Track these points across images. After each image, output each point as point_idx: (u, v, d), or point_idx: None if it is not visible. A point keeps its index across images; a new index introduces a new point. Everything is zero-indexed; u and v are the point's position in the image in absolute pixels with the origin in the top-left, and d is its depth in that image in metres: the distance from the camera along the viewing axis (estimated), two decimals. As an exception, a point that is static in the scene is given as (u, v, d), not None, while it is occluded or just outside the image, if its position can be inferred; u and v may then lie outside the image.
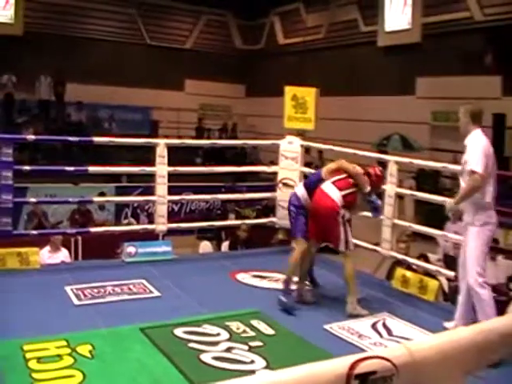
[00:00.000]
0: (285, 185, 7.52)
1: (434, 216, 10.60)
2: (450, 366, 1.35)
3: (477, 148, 4.55)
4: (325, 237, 5.57)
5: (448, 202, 4.82)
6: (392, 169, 6.56)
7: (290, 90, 7.81)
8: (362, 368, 1.20)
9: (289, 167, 7.55)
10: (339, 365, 1.20)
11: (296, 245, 5.65)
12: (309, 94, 7.67)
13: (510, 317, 1.58)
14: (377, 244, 6.79)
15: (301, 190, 5.68)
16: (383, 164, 6.76)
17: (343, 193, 5.38)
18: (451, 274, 6.25)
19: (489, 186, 4.59)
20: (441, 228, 9.01)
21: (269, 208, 10.07)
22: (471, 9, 15.05)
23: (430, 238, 8.85)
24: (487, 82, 14.40)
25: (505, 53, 14.04)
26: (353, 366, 1.19)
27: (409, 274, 6.19)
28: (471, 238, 4.60)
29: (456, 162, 11.57)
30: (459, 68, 14.92)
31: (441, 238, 8.45)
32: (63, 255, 8.02)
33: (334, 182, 5.44)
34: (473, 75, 14.66)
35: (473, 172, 4.45)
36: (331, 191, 5.36)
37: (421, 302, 5.81)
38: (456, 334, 1.43)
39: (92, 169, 7.09)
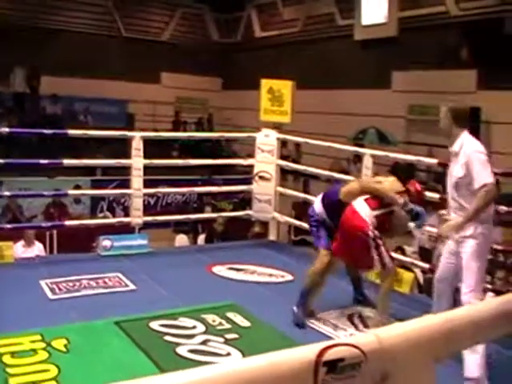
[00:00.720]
0: (261, 178, 7.52)
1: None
2: (419, 353, 1.36)
3: (478, 158, 4.02)
4: (352, 258, 5.03)
5: (446, 225, 4.16)
6: (368, 162, 6.59)
7: (266, 83, 7.81)
8: (330, 355, 1.21)
9: (265, 160, 7.55)
10: (307, 352, 1.20)
11: (319, 256, 5.12)
12: (285, 87, 7.67)
13: (479, 305, 1.60)
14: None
15: (318, 207, 5.20)
16: (359, 157, 6.80)
17: (375, 213, 4.77)
18: (426, 266, 6.32)
19: None
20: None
21: (245, 201, 10.07)
22: (447, 3, 15.13)
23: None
24: (463, 76, 14.51)
25: (480, 47, 14.15)
26: (321, 353, 1.20)
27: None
28: (472, 255, 4.06)
29: (431, 155, 11.71)
30: (435, 62, 15.01)
31: (416, 230, 8.51)
32: (38, 249, 7.96)
33: (366, 200, 4.85)
34: (448, 69, 14.76)
35: (484, 185, 3.92)
36: (362, 210, 4.78)
37: (396, 294, 5.85)
38: (425, 321, 1.44)
39: (67, 162, 7.04)
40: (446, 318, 1.49)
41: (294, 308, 4.96)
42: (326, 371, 1.20)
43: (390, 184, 4.97)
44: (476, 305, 1.66)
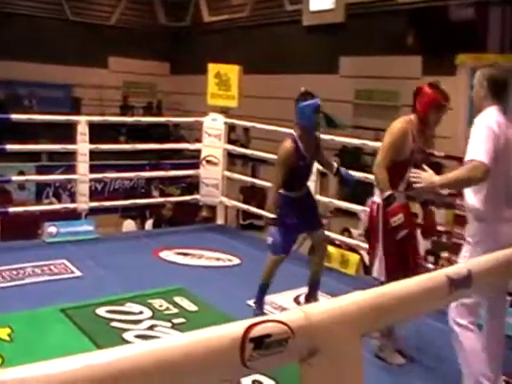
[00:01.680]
0: (208, 162, 7.51)
1: (357, 192, 10.86)
2: (346, 328, 1.39)
3: (480, 130, 3.25)
4: None
5: (428, 174, 3.45)
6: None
7: (213, 68, 7.78)
8: (257, 331, 1.22)
9: (212, 144, 7.54)
10: (234, 329, 1.22)
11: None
12: (232, 71, 7.65)
13: (408, 282, 1.65)
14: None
15: None
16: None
17: None
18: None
19: (492, 188, 3.28)
20: (363, 204, 9.23)
21: (193, 185, 10.04)
22: (394, -10, 15.31)
23: (352, 214, 9.05)
24: (408, 62, 14.73)
25: (425, 34, 14.38)
26: (248, 329, 1.21)
27: (331, 248, 6.31)
28: (460, 259, 3.41)
29: (378, 139, 11.86)
30: (382, 48, 15.18)
31: (362, 213, 8.63)
32: (-20, 237, 7.79)
33: None
34: (395, 55, 14.96)
35: (471, 161, 3.15)
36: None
37: (342, 275, 5.95)
38: (352, 297, 1.48)
39: (10, 147, 6.88)
40: (374, 293, 1.53)
41: (253, 305, 4.85)
42: (252, 347, 1.22)
43: None
44: (402, 282, 1.70)
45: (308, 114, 4.57)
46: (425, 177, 3.43)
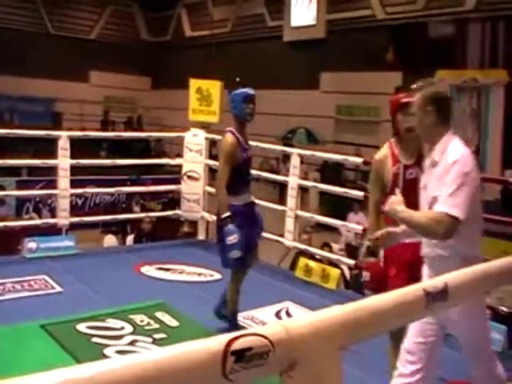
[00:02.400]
0: (189, 177, 7.52)
1: (338, 207, 10.93)
2: (325, 342, 1.42)
3: (461, 176, 2.76)
4: None
5: (397, 199, 2.96)
6: (295, 161, 6.69)
7: (194, 83, 7.81)
8: (238, 345, 1.25)
9: (193, 160, 7.56)
10: (216, 342, 1.24)
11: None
12: (213, 86, 7.69)
13: (383, 297, 1.69)
14: (281, 235, 6.92)
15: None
16: (288, 157, 6.89)
17: None
18: (352, 262, 6.47)
19: (474, 231, 2.92)
20: (344, 218, 9.30)
21: (174, 201, 10.04)
22: (373, 7, 15.51)
23: (333, 229, 9.11)
24: (388, 78, 14.88)
25: (405, 50, 14.58)
26: (229, 343, 1.24)
27: (312, 263, 6.35)
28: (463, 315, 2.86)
29: (358, 155, 11.96)
30: (362, 64, 15.35)
31: (343, 228, 8.69)
32: (-41, 252, 7.71)
33: None
34: (375, 71, 15.13)
35: (448, 215, 2.71)
36: None
37: (323, 290, 5.98)
38: (331, 311, 1.51)
39: (-11, 162, 6.86)
40: (353, 307, 1.57)
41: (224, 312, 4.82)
42: (234, 360, 1.25)
43: None
44: (380, 296, 1.74)
45: (237, 103, 4.60)
46: (392, 201, 2.97)
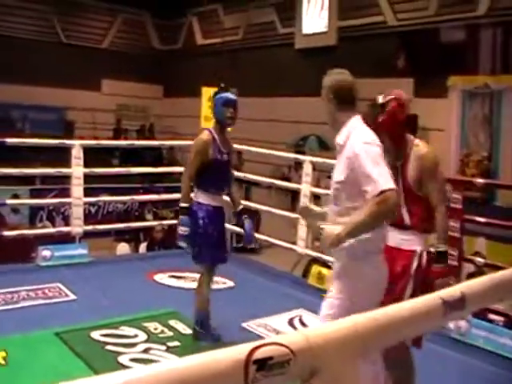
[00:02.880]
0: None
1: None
2: (345, 351, 1.42)
3: (371, 153, 2.85)
4: None
5: (327, 230, 2.86)
6: (307, 168, 6.69)
7: (207, 91, 7.85)
8: (259, 354, 1.26)
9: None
10: (238, 351, 1.25)
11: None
12: (225, 94, 7.71)
13: (402, 305, 1.71)
14: (294, 243, 6.91)
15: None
16: (300, 164, 6.89)
17: None
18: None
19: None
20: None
21: (187, 209, 10.05)
22: (385, 13, 15.50)
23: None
24: (400, 84, 14.83)
25: (416, 56, 14.55)
26: (251, 352, 1.24)
27: (324, 270, 6.34)
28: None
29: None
30: (373, 70, 15.33)
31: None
32: (-26, 260, 7.75)
33: None
34: (386, 77, 15.09)
35: (382, 193, 2.73)
36: None
37: (321, 290, 5.96)
38: (351, 320, 1.51)
39: (4, 171, 6.89)
40: (371, 316, 1.56)
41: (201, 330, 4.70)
42: (256, 369, 1.25)
43: None
44: (398, 305, 1.75)
45: (218, 107, 4.64)
46: (325, 235, 2.84)
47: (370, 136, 2.96)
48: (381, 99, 3.55)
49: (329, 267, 6.61)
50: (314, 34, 17.24)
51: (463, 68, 13.05)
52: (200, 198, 4.65)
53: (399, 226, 3.34)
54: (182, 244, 4.60)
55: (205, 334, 4.66)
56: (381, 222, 2.88)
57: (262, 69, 18.71)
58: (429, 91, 13.62)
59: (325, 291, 5.97)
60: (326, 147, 16.38)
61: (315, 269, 6.43)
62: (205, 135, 4.66)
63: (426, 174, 3.36)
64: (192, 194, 4.72)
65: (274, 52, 18.62)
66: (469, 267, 6.63)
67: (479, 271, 5.90)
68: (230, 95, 4.65)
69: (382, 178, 2.76)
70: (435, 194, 3.33)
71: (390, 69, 15.13)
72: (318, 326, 1.48)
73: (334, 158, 3.10)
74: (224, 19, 20.55)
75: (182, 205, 4.58)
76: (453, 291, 1.94)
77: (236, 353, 1.24)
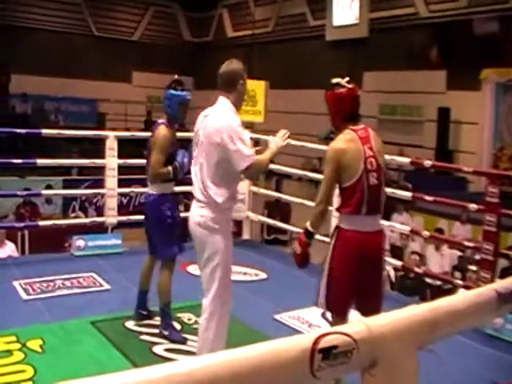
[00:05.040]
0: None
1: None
2: (404, 341, 1.43)
3: (239, 131, 3.62)
4: None
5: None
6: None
7: (239, 83, 7.84)
8: (324, 343, 1.27)
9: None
10: (304, 340, 1.26)
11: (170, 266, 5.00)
12: (258, 86, 7.71)
13: (458, 297, 1.72)
14: (326, 235, 6.89)
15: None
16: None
17: None
18: (398, 263, 6.42)
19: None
20: (388, 219, 9.23)
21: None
22: (417, 5, 15.35)
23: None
24: (432, 77, 14.73)
25: (449, 48, 14.39)
26: (316, 341, 1.26)
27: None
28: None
29: (402, 154, 11.86)
30: (405, 62, 15.22)
31: (387, 228, 8.61)
32: (10, 249, 7.88)
33: None
34: (418, 70, 14.97)
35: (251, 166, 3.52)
36: None
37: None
38: (409, 311, 1.52)
39: (40, 161, 6.96)
40: (428, 308, 1.57)
41: (165, 333, 4.56)
42: (321, 358, 1.27)
43: None
44: (454, 296, 1.76)
45: (173, 104, 4.61)
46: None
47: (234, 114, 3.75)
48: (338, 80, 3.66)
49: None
50: (344, 26, 17.14)
51: (496, 60, 12.88)
52: (163, 189, 4.81)
53: None
54: None
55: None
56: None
57: (292, 61, 18.68)
58: (461, 84, 13.49)
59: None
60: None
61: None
62: (164, 130, 4.63)
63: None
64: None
65: (304, 44, 18.57)
66: (502, 263, 6.58)
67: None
68: (187, 95, 4.63)
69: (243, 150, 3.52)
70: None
71: (422, 61, 15.00)
72: (379, 316, 1.49)
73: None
74: (254, 11, 20.54)
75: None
76: (507, 283, 1.94)
77: (301, 341, 1.26)
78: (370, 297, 3.50)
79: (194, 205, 3.72)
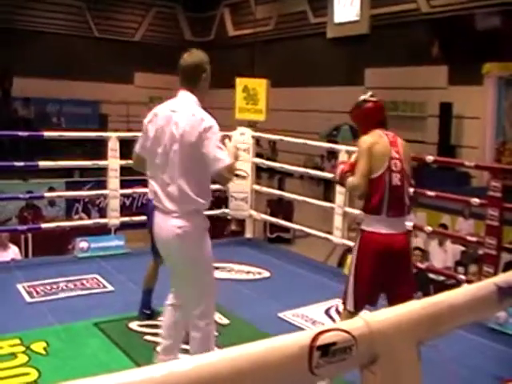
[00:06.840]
0: (237, 176, 7.54)
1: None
2: (404, 337, 1.43)
3: (216, 129, 3.42)
4: None
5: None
6: (343, 158, 6.64)
7: (241, 82, 7.83)
8: (323, 340, 1.27)
9: (241, 158, 7.55)
10: (302, 337, 1.27)
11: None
12: (260, 85, 7.70)
13: (459, 291, 1.72)
14: (329, 232, 6.88)
15: None
16: (333, 154, 6.85)
17: None
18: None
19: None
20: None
21: (221, 199, 10.09)
22: (418, 1, 15.32)
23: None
24: (434, 72, 14.70)
25: (450, 43, 14.36)
26: (314, 338, 1.26)
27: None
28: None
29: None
30: (407, 58, 15.18)
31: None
32: (13, 252, 7.89)
33: None
34: (420, 65, 14.94)
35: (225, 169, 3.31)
36: None
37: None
38: (409, 306, 1.52)
39: (43, 164, 6.96)
40: (428, 303, 1.57)
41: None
42: (319, 355, 1.27)
43: None
44: (455, 291, 1.76)
45: None
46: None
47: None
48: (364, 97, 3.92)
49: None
50: (345, 23, 17.12)
51: (498, 55, 12.85)
52: None
53: None
54: None
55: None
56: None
57: (294, 59, 18.66)
58: (463, 79, 13.45)
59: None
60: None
61: (350, 259, 6.39)
62: None
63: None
64: None
65: (306, 42, 18.56)
66: (505, 257, 6.56)
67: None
68: None
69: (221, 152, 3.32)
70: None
71: (423, 57, 14.97)
72: (378, 312, 1.49)
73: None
74: (256, 10, 20.52)
75: None
76: (507, 277, 1.94)
77: (300, 338, 1.26)
78: (399, 288, 3.56)
79: (163, 218, 3.47)
